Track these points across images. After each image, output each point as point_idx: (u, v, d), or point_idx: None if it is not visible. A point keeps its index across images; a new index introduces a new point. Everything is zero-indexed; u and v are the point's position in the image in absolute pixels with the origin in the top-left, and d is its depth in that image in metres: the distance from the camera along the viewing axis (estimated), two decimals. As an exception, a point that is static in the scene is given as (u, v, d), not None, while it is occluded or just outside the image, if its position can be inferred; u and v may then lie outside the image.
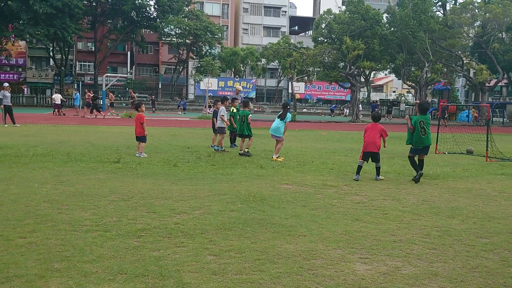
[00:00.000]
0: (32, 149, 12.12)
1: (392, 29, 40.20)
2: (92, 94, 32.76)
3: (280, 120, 12.00)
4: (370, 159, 9.43)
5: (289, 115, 12.11)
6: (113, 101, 36.16)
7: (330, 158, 12.47)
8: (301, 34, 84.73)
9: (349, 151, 14.43)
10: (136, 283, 3.82)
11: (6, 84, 21.78)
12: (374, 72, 50.74)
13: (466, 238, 5.43)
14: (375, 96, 73.63)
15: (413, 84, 40.37)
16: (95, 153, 11.82)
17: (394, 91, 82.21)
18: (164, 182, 8.23)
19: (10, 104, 21.20)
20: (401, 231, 5.66)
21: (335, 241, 5.15)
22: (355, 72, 39.66)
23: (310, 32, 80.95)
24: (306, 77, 43.34)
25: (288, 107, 12.38)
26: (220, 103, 13.94)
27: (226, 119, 13.32)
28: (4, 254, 4.37)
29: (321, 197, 7.35)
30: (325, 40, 41.59)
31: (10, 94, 21.47)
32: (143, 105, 12.59)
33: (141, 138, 11.74)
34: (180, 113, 46.35)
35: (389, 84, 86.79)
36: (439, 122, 16.08)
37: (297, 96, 48.73)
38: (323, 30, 41.10)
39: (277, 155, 11.81)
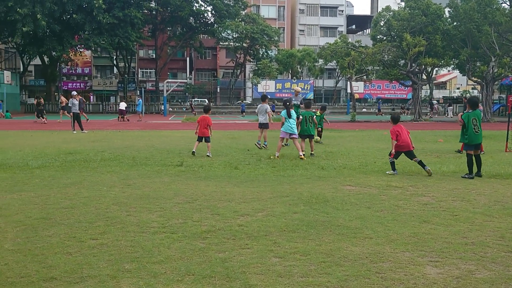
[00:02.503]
0: (100, 154, 12.63)
1: (455, 23, 38.65)
2: (36, 100, 33.01)
3: (292, 119, 12.24)
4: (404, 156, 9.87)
5: (292, 112, 12.43)
6: (64, 105, 36.02)
7: (393, 158, 12.13)
8: (358, 33, 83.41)
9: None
10: (203, 284, 3.86)
11: (74, 93, 22.85)
12: (436, 68, 49.02)
13: (546, 241, 5.11)
14: (437, 94, 71.18)
15: (479, 80, 38.66)
16: (159, 157, 12.14)
17: (458, 88, 79.11)
18: (226, 184, 8.31)
19: (78, 112, 22.21)
20: (473, 233, 5.41)
21: (403, 243, 4.99)
22: (416, 70, 38.50)
23: (368, 31, 79.57)
24: (365, 76, 42.57)
25: (288, 104, 12.52)
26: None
27: (271, 116, 14.16)
28: (77, 255, 4.56)
29: (386, 199, 7.16)
30: (384, 37, 40.61)
31: (78, 102, 22.47)
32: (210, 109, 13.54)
33: (207, 139, 12.60)
34: (241, 116, 46.75)
35: (453, 80, 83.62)
36: (510, 118, 15.24)
37: (356, 96, 47.92)
38: (382, 28, 40.15)
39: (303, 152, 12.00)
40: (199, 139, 12.75)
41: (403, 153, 9.79)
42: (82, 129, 21.60)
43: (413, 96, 39.39)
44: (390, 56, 37.76)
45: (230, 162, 11.12)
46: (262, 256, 4.54)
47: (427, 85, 50.84)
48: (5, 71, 50.25)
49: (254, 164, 10.91)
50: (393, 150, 9.72)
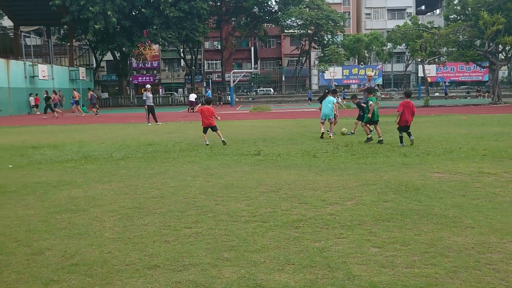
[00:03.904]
0: (178, 145, 12.91)
1: (537, -3, 36.03)
2: (45, 95, 34.07)
3: (323, 105, 14.06)
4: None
5: (329, 98, 14.18)
6: (55, 102, 36.04)
7: (479, 143, 11.53)
8: (428, 13, 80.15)
9: (499, 135, 13.25)
10: (305, 274, 3.80)
11: (148, 86, 23.49)
12: (516, 48, 46.02)
13: None
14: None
15: None
16: (235, 147, 12.23)
17: (539, 68, 74.11)
18: (308, 173, 8.21)
19: (152, 104, 22.85)
20: None
21: (509, 233, 4.68)
22: (494, 49, 36.35)
23: (438, 11, 76.24)
24: (437, 59, 40.80)
25: (326, 91, 14.62)
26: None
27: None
28: (175, 243, 4.63)
29: (481, 186, 6.78)
30: (458, 17, 38.67)
31: (152, 95, 23.13)
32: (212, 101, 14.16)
33: (214, 128, 13.02)
34: (308, 104, 46.45)
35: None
36: None
37: (429, 80, 46.04)
38: (455, 7, 38.21)
39: (332, 134, 13.92)
40: (205, 131, 13.09)
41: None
42: (156, 121, 22.24)
43: (491, 78, 37.24)
44: (465, 37, 35.83)
45: (307, 151, 11.01)
46: (360, 246, 4.41)
47: (506, 65, 47.96)
48: (80, 68, 52.69)
49: (332, 152, 10.73)
50: (397, 120, 11.52)
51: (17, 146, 13.86)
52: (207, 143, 12.84)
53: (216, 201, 6.27)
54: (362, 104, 14.39)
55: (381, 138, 12.20)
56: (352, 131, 14.81)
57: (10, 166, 9.93)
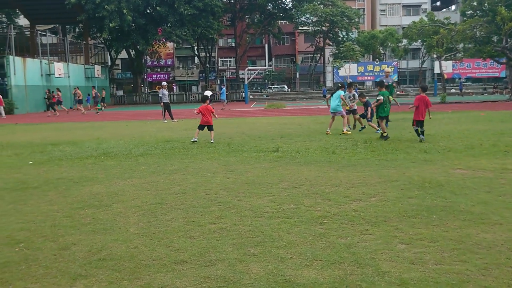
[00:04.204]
0: (196, 142, 12.91)
1: (557, -7, 35.43)
2: (47, 94, 34.48)
3: (336, 98, 14.07)
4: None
5: (340, 91, 14.19)
6: (80, 97, 36.66)
7: (500, 140, 11.36)
8: (443, 9, 79.30)
9: (520, 131, 13.06)
10: (333, 270, 3.77)
11: (164, 83, 23.53)
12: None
13: None
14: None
15: None
16: (253, 143, 12.21)
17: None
18: (328, 169, 8.16)
19: (168, 101, 22.89)
20: None
21: (539, 230, 4.60)
22: (512, 45, 35.83)
23: (453, 7, 75.42)
24: (453, 55, 40.35)
25: (339, 85, 14.96)
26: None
27: (348, 102, 14.83)
28: (200, 239, 4.63)
29: (506, 182, 6.67)
30: (475, 13, 38.19)
31: (168, 92, 23.17)
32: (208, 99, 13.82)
33: (210, 127, 13.01)
34: (323, 101, 46.22)
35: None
36: None
37: (445, 76, 45.56)
38: (472, 2, 37.76)
39: (346, 128, 14.00)
40: (201, 128, 13.01)
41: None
42: (172, 118, 22.30)
43: (509, 74, 36.72)
44: (482, 32, 35.36)
45: (326, 147, 10.95)
46: (387, 242, 4.36)
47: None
48: (95, 66, 53.06)
49: (351, 148, 10.65)
50: (412, 109, 11.61)
51: (36, 143, 14.00)
52: (195, 139, 12.80)
53: (238, 197, 6.26)
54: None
55: (379, 132, 12.46)
56: (368, 126, 14.75)
57: (30, 162, 10.02)
